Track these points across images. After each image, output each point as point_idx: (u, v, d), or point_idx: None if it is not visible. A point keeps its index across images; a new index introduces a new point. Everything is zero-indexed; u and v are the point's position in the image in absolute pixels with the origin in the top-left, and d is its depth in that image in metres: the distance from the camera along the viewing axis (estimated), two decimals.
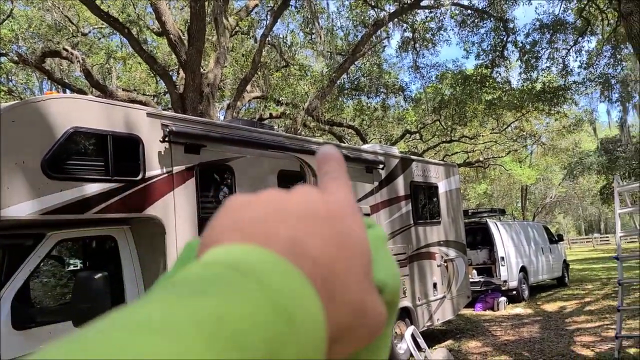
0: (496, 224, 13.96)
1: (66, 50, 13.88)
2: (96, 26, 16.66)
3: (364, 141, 20.15)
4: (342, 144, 9.63)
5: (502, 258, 13.34)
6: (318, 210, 0.32)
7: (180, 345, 0.22)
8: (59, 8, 14.85)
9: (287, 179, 6.51)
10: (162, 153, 4.98)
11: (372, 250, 0.34)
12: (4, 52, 15.09)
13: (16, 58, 14.33)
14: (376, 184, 7.96)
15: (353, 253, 0.31)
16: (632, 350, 7.51)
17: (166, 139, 4.98)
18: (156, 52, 17.00)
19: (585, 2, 15.85)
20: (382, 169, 8.12)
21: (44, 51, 14.11)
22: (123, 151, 4.67)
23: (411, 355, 7.94)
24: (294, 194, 0.34)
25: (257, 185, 6.04)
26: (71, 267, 5.00)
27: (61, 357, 0.21)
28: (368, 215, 7.61)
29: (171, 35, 11.09)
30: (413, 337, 6.35)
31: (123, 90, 15.51)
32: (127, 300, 4.68)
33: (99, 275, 3.97)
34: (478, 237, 14.56)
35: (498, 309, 12.55)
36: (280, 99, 17.40)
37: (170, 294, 0.25)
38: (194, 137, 5.30)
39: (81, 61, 13.29)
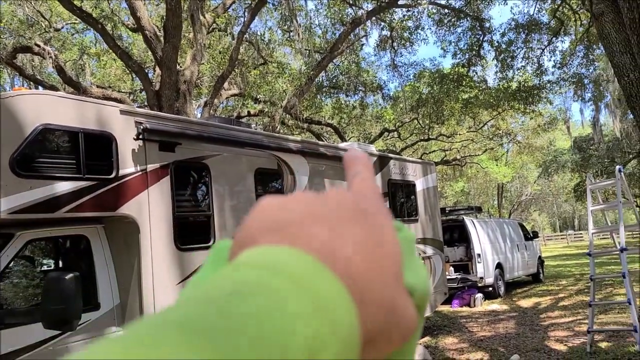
0: (473, 222, 14.11)
1: (38, 45, 13.57)
2: (69, 21, 16.32)
3: (343, 139, 20.18)
4: (320, 142, 9.61)
5: (479, 255, 13.49)
6: (351, 213, 0.32)
7: (222, 347, 0.22)
8: (30, 3, 14.51)
9: (265, 178, 6.48)
10: (136, 151, 4.90)
11: (402, 253, 0.33)
12: None
13: None
14: None
15: (385, 256, 0.31)
16: (603, 344, 7.67)
17: (140, 137, 4.90)
18: (131, 48, 16.74)
19: (559, 2, 16.11)
20: None
21: (15, 47, 13.77)
22: (95, 149, 4.58)
23: None
24: (325, 196, 0.34)
25: (234, 183, 5.99)
26: (42, 268, 4.88)
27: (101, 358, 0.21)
28: None
29: (146, 32, 10.93)
30: None
31: (97, 87, 15.25)
32: (100, 302, 4.59)
33: (70, 275, 3.88)
34: (455, 234, 14.71)
35: (474, 305, 12.69)
36: (258, 96, 17.31)
37: (209, 295, 0.25)
38: (169, 134, 5.23)
39: (54, 57, 13.02)
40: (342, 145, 8.95)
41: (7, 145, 4.02)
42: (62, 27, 16.66)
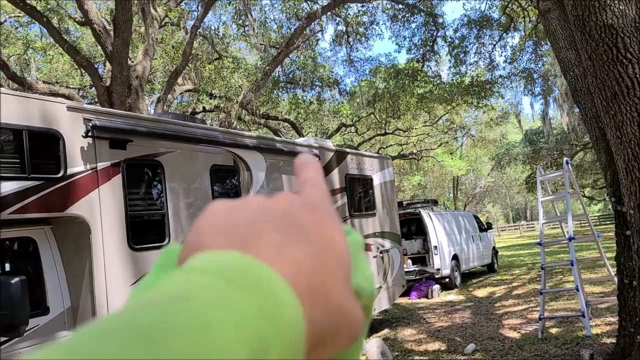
0: (429, 215, 14.36)
1: None
2: (13, 15, 15.61)
3: (300, 135, 20.15)
4: (277, 138, 9.56)
5: (435, 247, 13.75)
6: (301, 217, 0.33)
7: (164, 349, 0.23)
8: None
9: (221, 174, 6.38)
10: (85, 149, 4.73)
11: (350, 256, 0.35)
12: None
13: None
14: None
15: (335, 259, 0.32)
16: (554, 330, 7.96)
17: (89, 134, 4.73)
18: (80, 42, 16.18)
19: None
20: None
21: None
22: (41, 147, 4.39)
23: None
24: (276, 200, 0.35)
25: (189, 181, 5.88)
26: None
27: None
28: None
29: (95, 25, 10.57)
30: None
31: (44, 82, 14.64)
32: (49, 306, 4.42)
33: (16, 280, 3.71)
34: (412, 227, 14.94)
35: (432, 297, 12.94)
36: (213, 92, 17.05)
37: (155, 300, 0.26)
38: (120, 131, 5.07)
39: None
40: (300, 140, 8.93)
41: None
42: (5, 21, 15.90)
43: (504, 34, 17.94)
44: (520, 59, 19.54)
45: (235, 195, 6.53)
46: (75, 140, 4.63)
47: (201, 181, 6.03)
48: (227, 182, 6.58)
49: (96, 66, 13.52)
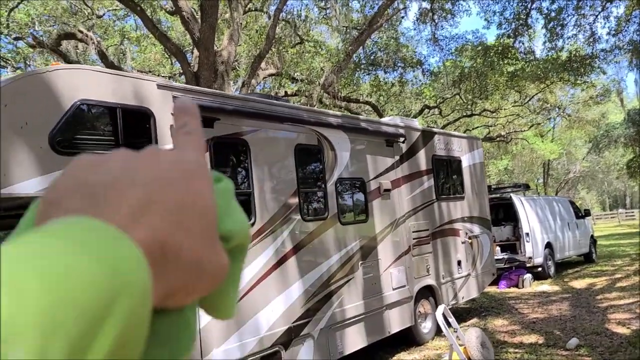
0: (520, 199, 13.58)
1: (81, 32, 13.74)
2: (111, 8, 16.48)
3: (381, 117, 19.79)
4: (361, 117, 9.32)
5: (527, 234, 13.00)
6: (165, 174, 0.33)
7: (17, 307, 0.23)
8: None
9: (305, 154, 6.28)
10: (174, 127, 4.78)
11: (220, 203, 0.36)
12: (21, 36, 15.03)
13: (33, 42, 14.27)
14: (397, 158, 7.68)
15: (196, 216, 0.33)
16: None
17: None
18: (170, 32, 16.79)
19: None
20: (403, 142, 7.82)
21: (59, 34, 14.01)
22: (134, 124, 4.48)
23: (438, 333, 7.73)
24: (142, 156, 0.34)
25: (274, 159, 5.82)
26: None
27: None
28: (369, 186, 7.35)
29: (184, 13, 10.85)
30: (444, 315, 6.12)
31: (138, 71, 15.36)
32: None
33: None
34: (501, 213, 14.20)
35: (523, 286, 12.25)
36: (295, 75, 17.06)
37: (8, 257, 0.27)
38: (208, 109, 5.07)
39: (96, 43, 13.14)
40: (385, 119, 8.65)
41: (45, 121, 3.94)
42: (104, 14, 16.84)
43: (608, 3, 16.39)
44: (625, 30, 17.79)
45: (320, 175, 6.41)
46: (165, 117, 4.68)
47: (285, 160, 5.95)
48: (311, 161, 6.47)
49: (184, 53, 13.94)
